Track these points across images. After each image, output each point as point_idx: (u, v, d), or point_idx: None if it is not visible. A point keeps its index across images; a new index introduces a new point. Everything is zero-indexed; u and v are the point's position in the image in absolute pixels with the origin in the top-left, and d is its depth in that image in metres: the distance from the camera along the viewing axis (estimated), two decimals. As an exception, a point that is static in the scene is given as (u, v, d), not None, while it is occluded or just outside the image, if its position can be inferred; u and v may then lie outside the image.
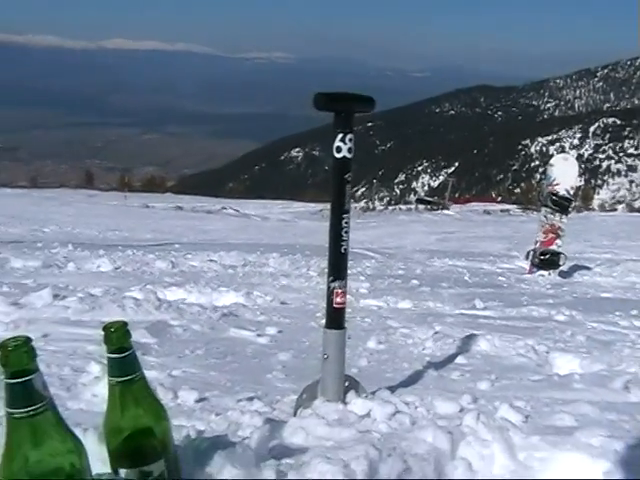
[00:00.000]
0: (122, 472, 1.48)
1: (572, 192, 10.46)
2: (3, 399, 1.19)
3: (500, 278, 9.03)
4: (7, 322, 3.98)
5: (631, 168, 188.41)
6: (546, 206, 10.39)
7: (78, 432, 1.29)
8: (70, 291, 5.14)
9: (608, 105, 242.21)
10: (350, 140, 2.36)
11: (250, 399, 2.74)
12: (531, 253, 10.22)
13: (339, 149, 2.36)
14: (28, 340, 1.20)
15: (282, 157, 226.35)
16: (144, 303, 4.78)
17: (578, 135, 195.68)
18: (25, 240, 10.43)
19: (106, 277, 6.53)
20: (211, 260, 8.35)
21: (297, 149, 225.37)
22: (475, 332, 4.42)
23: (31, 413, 1.18)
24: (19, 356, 1.18)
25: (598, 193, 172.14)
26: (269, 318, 4.89)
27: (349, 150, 2.37)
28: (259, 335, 4.23)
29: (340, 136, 2.35)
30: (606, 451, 2.04)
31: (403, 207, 73.81)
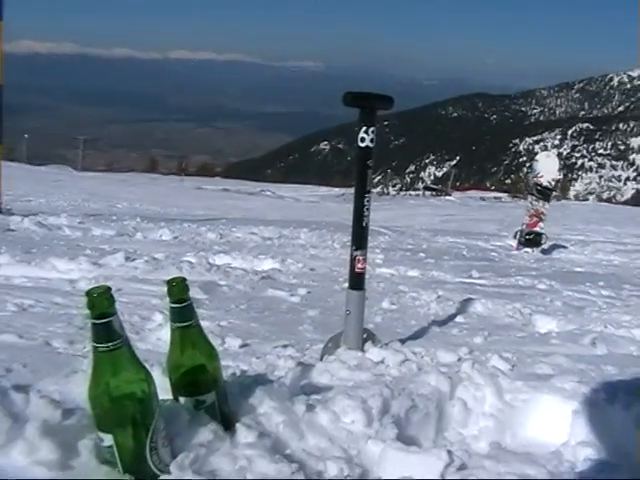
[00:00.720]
0: (181, 400, 1.50)
1: (553, 183, 10.36)
2: (90, 337, 1.22)
3: (492, 253, 8.96)
4: (90, 277, 4.09)
5: (600, 166, 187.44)
6: (532, 194, 10.32)
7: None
8: (138, 255, 5.19)
9: (583, 113, 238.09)
10: (372, 132, 2.34)
11: (284, 346, 2.76)
12: (518, 233, 10.13)
13: (363, 139, 2.34)
14: (108, 289, 1.23)
15: (312, 149, 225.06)
16: (197, 266, 4.82)
17: (558, 137, 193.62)
18: (103, 214, 10.50)
19: (167, 245, 6.58)
20: (252, 233, 8.35)
21: (325, 142, 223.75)
22: (471, 297, 4.42)
23: (111, 347, 1.21)
24: (102, 301, 1.21)
25: (574, 185, 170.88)
26: (300, 281, 4.90)
27: (371, 141, 2.35)
28: (292, 295, 4.25)
29: (364, 129, 2.34)
30: (576, 394, 2.05)
31: (412, 193, 73.11)
